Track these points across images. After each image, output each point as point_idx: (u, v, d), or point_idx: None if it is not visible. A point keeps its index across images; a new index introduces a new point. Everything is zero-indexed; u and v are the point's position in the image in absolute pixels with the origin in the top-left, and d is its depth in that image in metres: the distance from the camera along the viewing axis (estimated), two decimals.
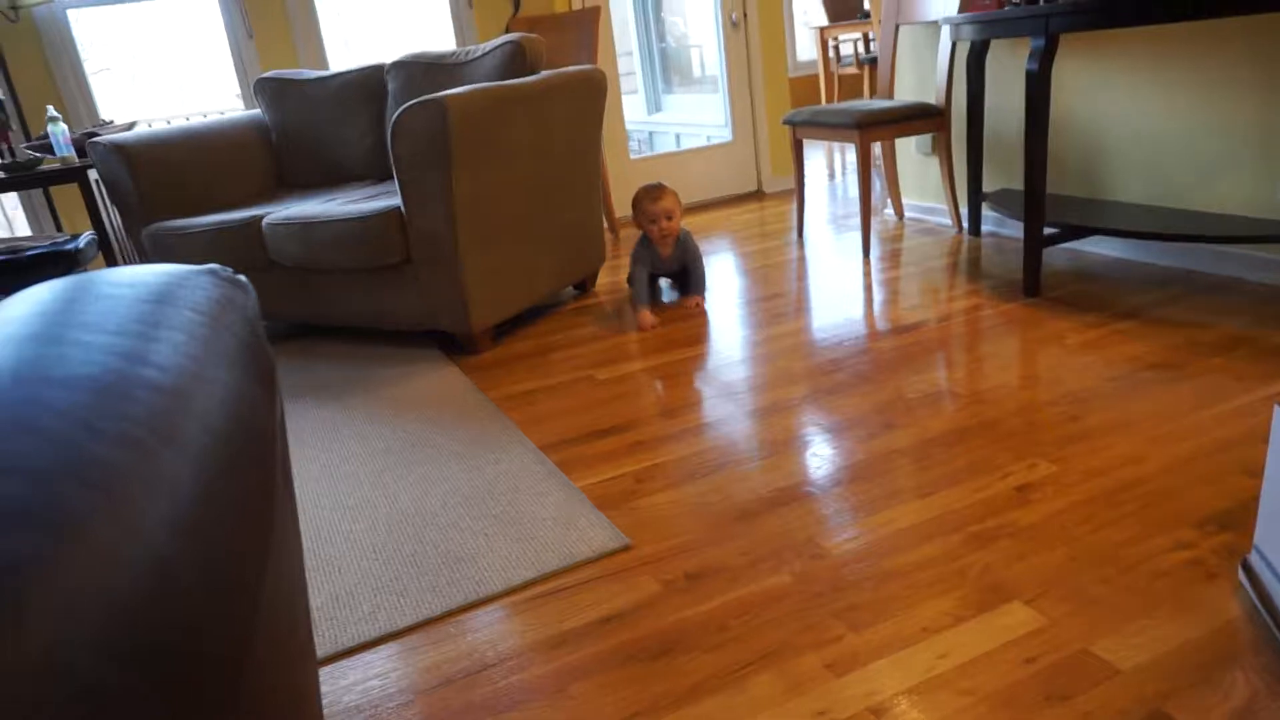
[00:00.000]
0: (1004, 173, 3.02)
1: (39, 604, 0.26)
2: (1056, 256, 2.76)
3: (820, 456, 1.63)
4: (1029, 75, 2.19)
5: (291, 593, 0.69)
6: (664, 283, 2.91)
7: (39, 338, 0.45)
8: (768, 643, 1.15)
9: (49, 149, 2.96)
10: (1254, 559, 1.13)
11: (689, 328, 2.45)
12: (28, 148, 2.96)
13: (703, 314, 2.52)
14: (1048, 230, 2.79)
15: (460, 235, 2.28)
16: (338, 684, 1.17)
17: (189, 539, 0.36)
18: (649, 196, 2.52)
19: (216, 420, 0.45)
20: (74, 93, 3.45)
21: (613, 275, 3.18)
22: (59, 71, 3.41)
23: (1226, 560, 1.20)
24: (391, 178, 2.92)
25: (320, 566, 1.44)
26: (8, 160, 2.79)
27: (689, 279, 2.67)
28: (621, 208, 4.12)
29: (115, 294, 0.56)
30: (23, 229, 3.59)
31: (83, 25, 3.47)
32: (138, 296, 0.55)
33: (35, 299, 0.54)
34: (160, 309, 0.54)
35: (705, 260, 3.00)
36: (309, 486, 1.75)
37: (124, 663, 0.29)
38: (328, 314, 2.63)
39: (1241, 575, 1.15)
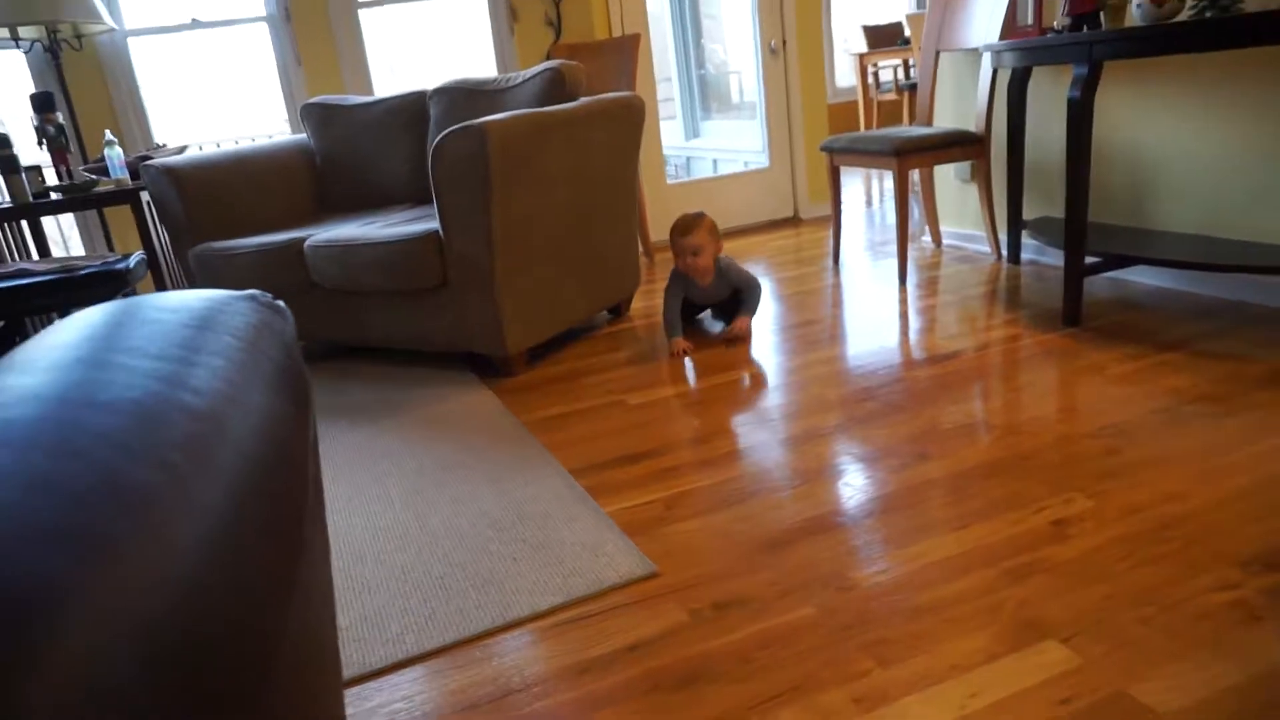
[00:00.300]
0: (1044, 200, 2.99)
1: (72, 623, 0.27)
2: (1098, 286, 2.72)
3: (852, 486, 1.62)
4: (1071, 103, 2.17)
5: (319, 613, 0.70)
6: (707, 312, 2.83)
7: (86, 361, 0.47)
8: (794, 676, 1.14)
9: (104, 171, 3.07)
10: None
11: (723, 354, 2.45)
12: (85, 170, 3.07)
13: (746, 338, 2.48)
14: (1089, 259, 2.75)
15: (497, 259, 2.31)
16: (363, 706, 1.18)
17: (219, 560, 0.38)
18: (680, 228, 2.46)
19: (250, 443, 0.46)
20: (130, 117, 3.57)
21: (647, 300, 3.20)
22: (117, 97, 3.54)
23: (1272, 602, 1.16)
24: (431, 202, 2.97)
25: (350, 586, 1.46)
26: (65, 182, 2.90)
27: (739, 305, 2.57)
28: (657, 232, 4.15)
29: (160, 319, 0.58)
30: (77, 248, 3.71)
31: (141, 52, 3.60)
32: (180, 321, 0.57)
33: (85, 322, 0.57)
34: (201, 334, 0.56)
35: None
36: (341, 506, 1.77)
37: (154, 682, 0.30)
38: (366, 335, 2.67)
39: None
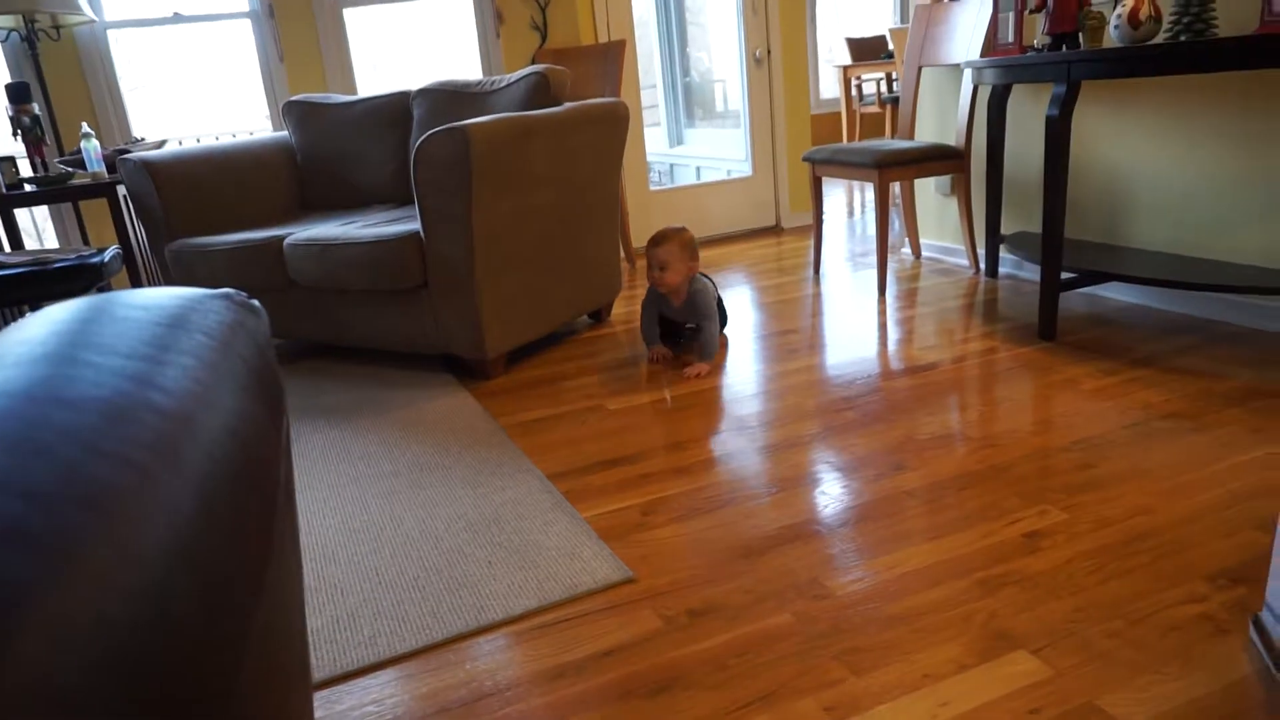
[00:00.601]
0: (1022, 215, 3.02)
1: (31, 625, 0.27)
2: (1074, 301, 2.76)
3: (829, 495, 1.63)
4: (1049, 120, 2.20)
5: (287, 616, 0.70)
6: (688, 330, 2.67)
7: (54, 358, 0.46)
8: (767, 683, 1.14)
9: (81, 164, 3.02)
10: (1266, 616, 1.11)
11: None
12: (60, 162, 3.03)
13: (701, 379, 2.24)
14: (1065, 274, 2.79)
15: (478, 262, 2.31)
16: (334, 709, 1.17)
17: (185, 563, 0.37)
18: (654, 238, 2.30)
19: (219, 444, 0.46)
20: (108, 109, 3.53)
21: (628, 305, 3.20)
22: (95, 88, 3.49)
23: (1238, 616, 1.18)
24: (412, 203, 2.96)
25: (323, 588, 1.45)
26: (40, 174, 2.85)
27: (698, 344, 2.39)
28: (639, 238, 4.16)
29: (131, 316, 0.57)
30: (51, 241, 3.66)
31: (120, 44, 3.56)
32: (152, 319, 0.57)
33: (54, 318, 0.56)
34: (172, 333, 0.55)
35: (724, 304, 2.61)
36: (315, 508, 1.76)
37: (114, 685, 0.29)
38: (344, 335, 2.66)
39: (1253, 632, 1.13)
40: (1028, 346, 2.34)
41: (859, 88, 6.19)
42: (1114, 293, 2.75)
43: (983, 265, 3.14)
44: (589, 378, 2.43)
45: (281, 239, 2.61)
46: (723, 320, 2.58)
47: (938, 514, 1.52)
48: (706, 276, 2.48)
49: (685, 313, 2.40)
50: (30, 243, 3.68)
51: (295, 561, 0.75)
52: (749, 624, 1.26)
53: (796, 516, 1.56)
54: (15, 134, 2.90)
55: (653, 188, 4.45)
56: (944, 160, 2.93)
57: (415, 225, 2.38)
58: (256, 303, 0.79)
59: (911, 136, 3.23)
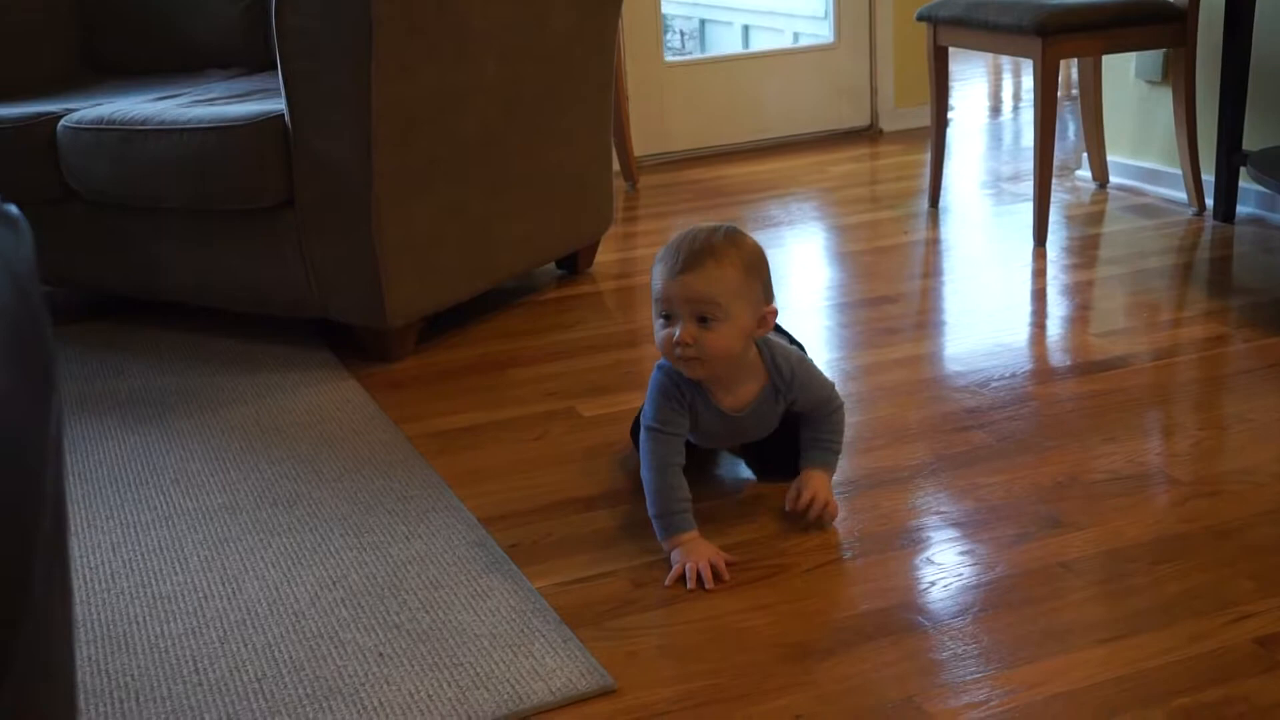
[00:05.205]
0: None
1: None
2: None
3: (939, 566, 1.63)
4: None
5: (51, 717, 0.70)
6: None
7: None
8: None
9: None
10: None
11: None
12: None
13: (829, 511, 1.75)
14: None
15: (379, 169, 2.30)
16: None
17: None
18: (672, 254, 1.68)
19: None
20: None
21: (621, 250, 3.21)
22: None
23: None
24: (272, 69, 2.95)
25: (107, 689, 1.44)
26: None
27: (805, 443, 1.83)
28: (645, 143, 4.15)
29: None
30: None
31: None
32: None
33: None
34: None
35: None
36: (100, 557, 1.75)
37: None
38: (155, 282, 2.65)
39: None
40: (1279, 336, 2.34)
41: None
42: None
43: (1211, 201, 3.14)
44: (553, 364, 2.42)
45: (54, 119, 2.60)
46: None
47: (1116, 602, 1.51)
48: (786, 335, 1.95)
49: (751, 415, 1.80)
50: None
51: (64, 634, 0.75)
52: None
53: (885, 599, 1.55)
54: None
55: (671, 58, 4.43)
56: (1154, 24, 2.92)
57: (277, 104, 2.38)
58: (14, 209, 0.79)
59: None
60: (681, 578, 1.61)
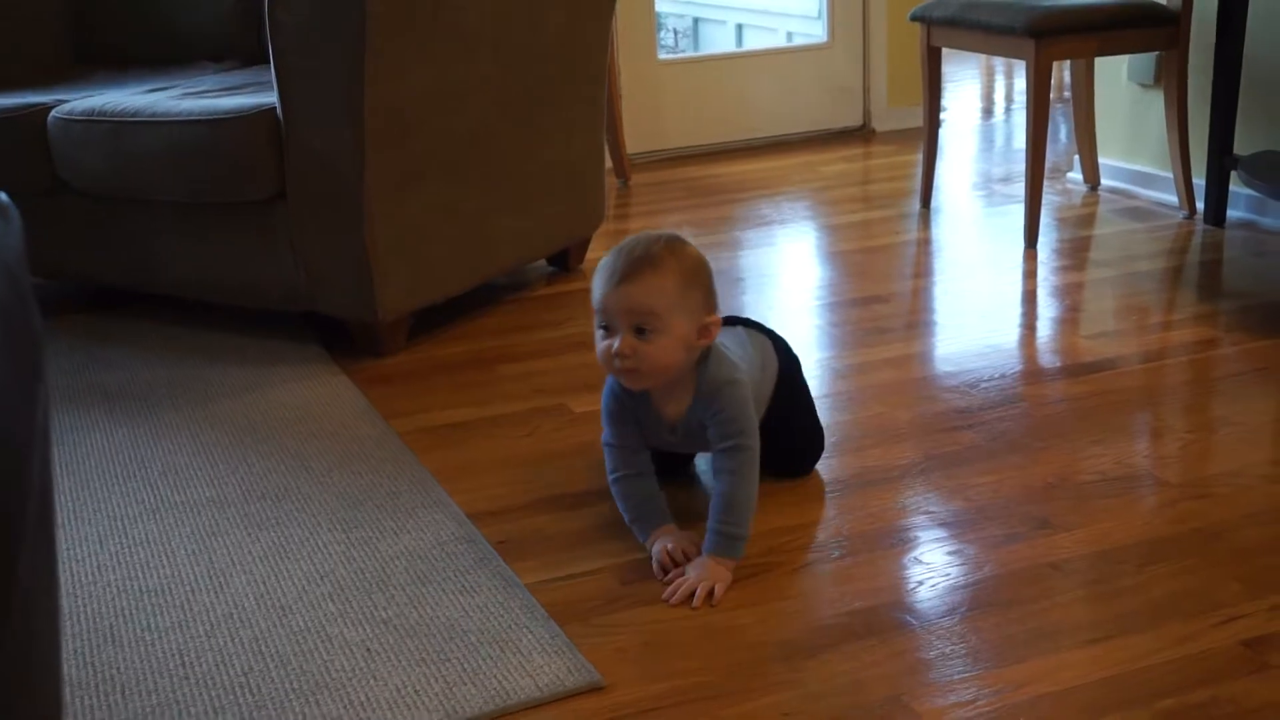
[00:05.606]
0: (1274, 125, 3.02)
1: None
2: None
3: (926, 565, 1.63)
4: None
5: (35, 708, 0.70)
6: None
7: None
8: None
9: None
10: None
11: None
12: None
13: (714, 595, 1.58)
14: None
15: (371, 164, 2.30)
16: None
17: None
18: (611, 263, 1.66)
19: None
20: None
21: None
22: None
23: None
24: (265, 61, 2.95)
25: (93, 682, 1.44)
26: None
27: (709, 522, 1.66)
28: (638, 140, 4.15)
29: None
30: None
31: None
32: None
33: None
34: None
35: (807, 396, 1.97)
36: (87, 550, 1.76)
37: None
38: (146, 275, 2.65)
39: None
40: (1269, 339, 2.34)
41: None
42: None
43: (1201, 204, 3.14)
44: (543, 360, 2.43)
45: (45, 110, 2.60)
46: (815, 444, 1.95)
47: (1104, 603, 1.52)
48: (758, 327, 1.94)
49: (685, 427, 1.74)
50: None
51: (51, 624, 0.75)
52: None
53: (874, 598, 1.55)
54: None
55: (665, 56, 4.43)
56: (1146, 27, 2.93)
57: (269, 98, 2.38)
58: (5, 196, 0.79)
59: None
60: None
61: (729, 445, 1.68)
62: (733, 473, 1.66)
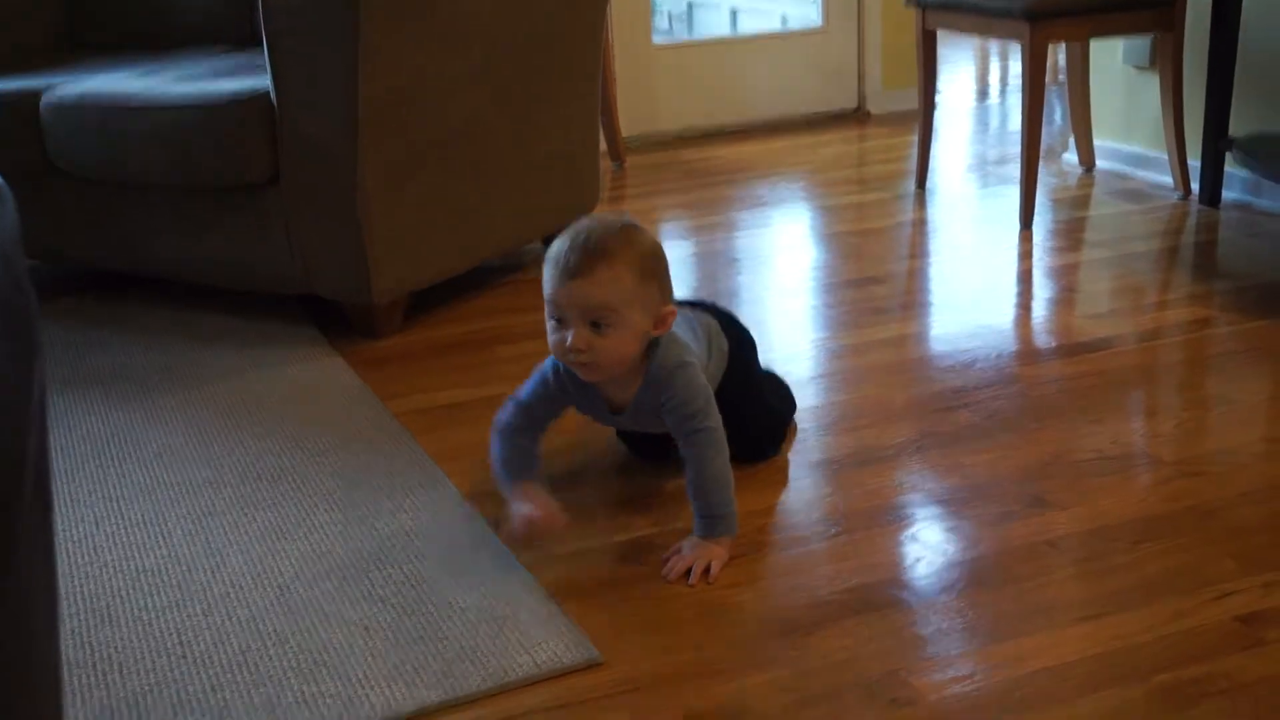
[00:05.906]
0: (1267, 107, 3.03)
1: None
2: None
3: (923, 543, 1.64)
4: None
5: (30, 686, 0.70)
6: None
7: None
8: None
9: None
10: None
11: None
12: None
13: (709, 575, 1.59)
14: None
15: (365, 149, 2.30)
16: None
17: None
18: (562, 254, 1.59)
19: None
20: None
21: None
22: None
23: None
24: (258, 45, 2.94)
25: (89, 663, 1.45)
26: None
27: (692, 505, 1.66)
28: (633, 123, 4.15)
29: None
30: None
31: None
32: None
33: None
34: None
35: (775, 377, 2.04)
36: (82, 534, 1.76)
37: None
38: (140, 259, 2.65)
39: None
40: (1265, 319, 2.35)
41: None
42: None
43: (1197, 186, 3.15)
44: (540, 341, 2.38)
45: (36, 95, 2.60)
46: (784, 414, 2.00)
47: (1098, 580, 1.53)
48: (702, 306, 1.93)
49: (637, 409, 1.71)
50: None
51: (47, 600, 0.75)
52: None
53: (870, 575, 1.56)
54: None
55: (659, 40, 4.42)
56: (1142, 9, 2.93)
57: (263, 81, 2.37)
58: (1, 181, 0.79)
59: None
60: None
61: (689, 431, 1.64)
62: (698, 458, 1.63)
